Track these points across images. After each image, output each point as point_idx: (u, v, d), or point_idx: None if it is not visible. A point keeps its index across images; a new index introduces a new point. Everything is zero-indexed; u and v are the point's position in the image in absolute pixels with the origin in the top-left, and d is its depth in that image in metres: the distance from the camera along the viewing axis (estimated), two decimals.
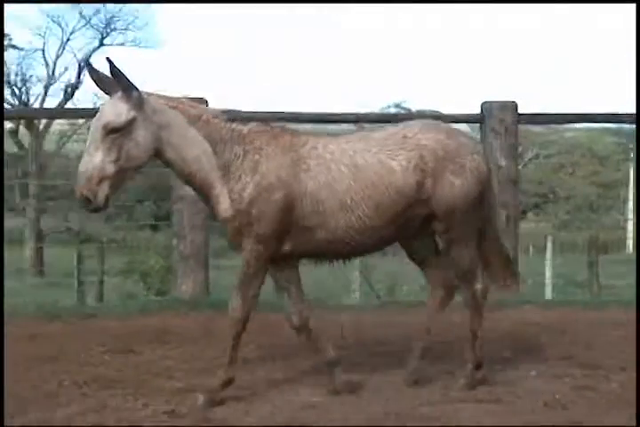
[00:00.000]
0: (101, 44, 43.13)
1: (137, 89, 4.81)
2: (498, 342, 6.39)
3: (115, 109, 4.73)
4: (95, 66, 4.88)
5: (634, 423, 4.40)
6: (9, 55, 41.74)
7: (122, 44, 43.46)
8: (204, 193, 5.09)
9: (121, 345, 6.66)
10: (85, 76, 41.88)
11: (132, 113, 4.73)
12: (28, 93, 42.60)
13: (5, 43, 41.64)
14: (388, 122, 8.26)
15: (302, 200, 5.00)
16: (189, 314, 8.11)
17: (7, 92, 42.35)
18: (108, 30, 42.97)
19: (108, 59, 4.66)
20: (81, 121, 32.39)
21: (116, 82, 4.76)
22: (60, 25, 42.14)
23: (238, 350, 5.13)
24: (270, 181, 4.96)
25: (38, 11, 39.11)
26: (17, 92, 42.70)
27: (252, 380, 5.58)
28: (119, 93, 4.77)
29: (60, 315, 7.98)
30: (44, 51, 42.38)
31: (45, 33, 42.16)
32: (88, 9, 41.13)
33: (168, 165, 5.07)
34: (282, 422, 4.70)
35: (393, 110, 40.46)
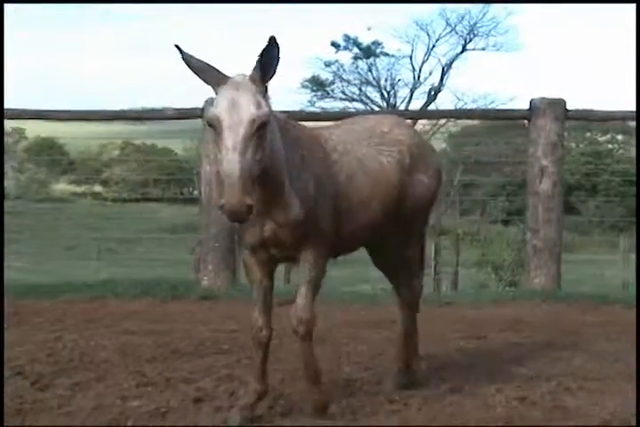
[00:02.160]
0: (464, 50, 43.95)
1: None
2: None
3: (256, 102, 3.85)
4: (187, 52, 3.99)
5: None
6: (380, 62, 43.58)
7: (483, 49, 43.97)
8: (275, 196, 4.23)
9: (475, 332, 6.71)
10: (447, 79, 42.92)
11: (269, 107, 3.92)
12: (395, 96, 44.16)
13: (378, 50, 43.49)
14: None
15: (339, 194, 4.50)
16: (541, 305, 8.06)
17: (377, 95, 44.10)
18: (472, 36, 43.64)
19: (272, 38, 3.85)
20: (442, 121, 33.19)
21: (259, 72, 3.91)
22: (427, 32, 43.53)
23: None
24: (320, 175, 4.40)
25: (409, 19, 40.65)
26: (386, 95, 44.43)
27: (602, 372, 5.44)
28: (251, 85, 3.92)
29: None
30: (411, 57, 44.10)
31: (414, 40, 43.71)
32: (453, 17, 42.09)
33: None
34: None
35: None
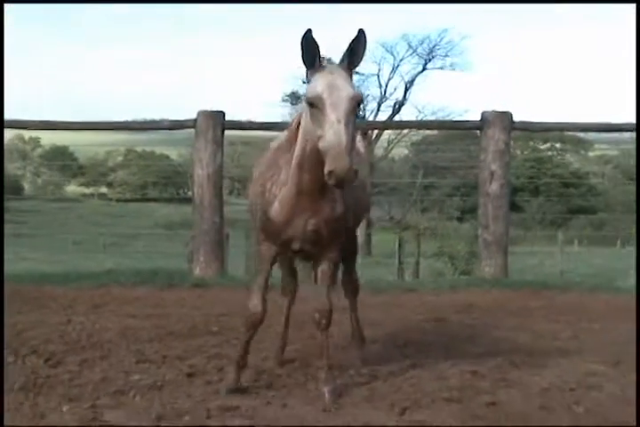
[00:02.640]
0: (424, 69, 44.29)
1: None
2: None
3: (350, 84, 3.81)
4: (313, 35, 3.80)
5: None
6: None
7: (441, 68, 44.32)
8: (327, 192, 4.08)
9: (434, 315, 6.72)
10: (409, 94, 43.10)
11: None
12: (364, 109, 44.39)
13: None
14: None
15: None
16: (491, 291, 8.08)
17: None
18: (431, 57, 43.97)
19: (361, 30, 3.84)
20: (405, 131, 33.27)
21: (347, 61, 3.88)
22: (392, 54, 43.83)
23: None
24: None
25: (376, 43, 40.91)
26: None
27: (542, 349, 5.47)
28: (342, 71, 3.85)
29: (385, 289, 8.18)
30: (378, 75, 44.41)
31: (380, 61, 44.06)
32: (415, 40, 42.58)
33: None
34: (571, 384, 4.57)
35: None
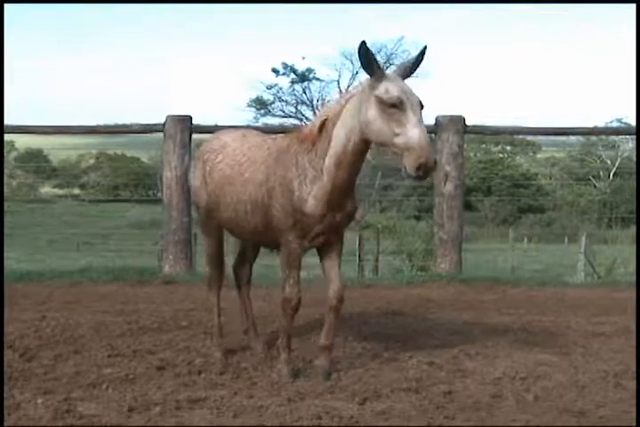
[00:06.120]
0: None
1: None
2: None
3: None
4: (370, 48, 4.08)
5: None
6: (313, 85, 44.08)
7: None
8: (353, 188, 4.43)
9: (392, 309, 6.73)
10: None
11: None
12: None
13: (311, 76, 43.96)
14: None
15: None
16: (446, 287, 8.12)
17: (310, 113, 44.44)
18: (388, 65, 44.18)
19: (425, 47, 4.19)
20: None
21: (409, 66, 4.20)
22: (351, 61, 44.06)
23: None
24: None
25: (338, 52, 41.20)
26: (317, 112, 44.78)
27: (495, 340, 5.51)
28: (398, 76, 4.13)
29: (346, 285, 8.15)
30: (338, 81, 44.62)
31: (340, 68, 44.27)
32: (372, 49, 42.73)
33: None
34: (522, 374, 4.61)
35: (614, 125, 38.67)
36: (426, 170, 3.85)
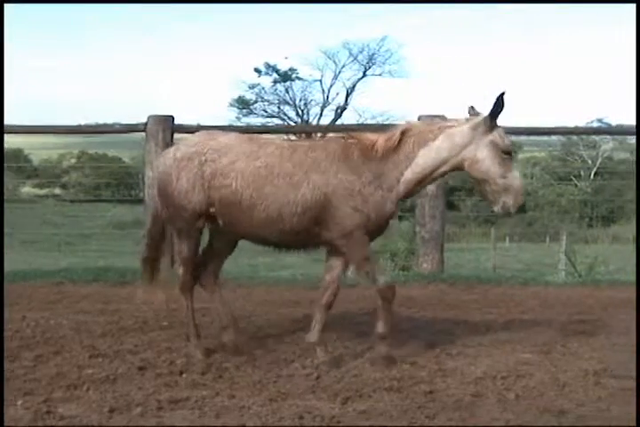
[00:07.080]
0: (364, 75, 44.64)
1: None
2: None
3: None
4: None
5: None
6: (295, 85, 44.03)
7: (380, 75, 44.70)
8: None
9: (374, 308, 6.70)
10: (351, 99, 43.45)
11: None
12: (308, 114, 44.49)
13: (293, 76, 43.93)
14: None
15: None
16: (428, 286, 8.15)
17: (293, 113, 44.45)
18: (370, 64, 44.34)
19: (503, 93, 4.66)
20: None
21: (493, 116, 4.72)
22: (334, 61, 44.12)
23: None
24: None
25: (319, 51, 41.19)
26: (300, 112, 44.74)
27: (476, 339, 5.53)
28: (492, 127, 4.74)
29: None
30: (321, 81, 44.67)
31: (323, 67, 44.29)
32: (355, 49, 43.04)
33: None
34: (503, 373, 4.63)
35: (595, 125, 38.97)
36: (516, 209, 4.73)
